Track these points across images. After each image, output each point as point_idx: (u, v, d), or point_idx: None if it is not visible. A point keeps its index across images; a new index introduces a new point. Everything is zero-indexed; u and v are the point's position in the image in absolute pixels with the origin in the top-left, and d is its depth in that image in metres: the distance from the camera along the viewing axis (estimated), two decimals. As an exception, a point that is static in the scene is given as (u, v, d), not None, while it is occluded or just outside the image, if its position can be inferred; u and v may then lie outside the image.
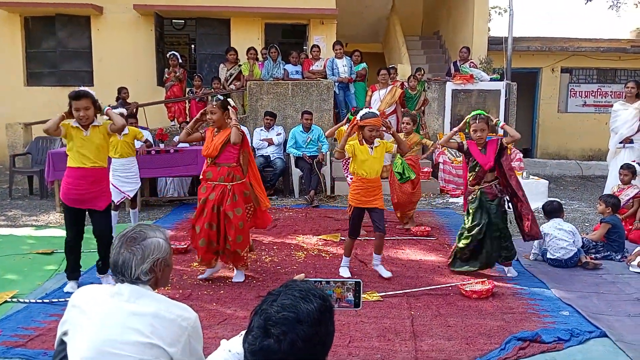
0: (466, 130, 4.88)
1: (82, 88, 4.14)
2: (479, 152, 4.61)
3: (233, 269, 4.72)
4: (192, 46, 13.30)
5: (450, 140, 4.79)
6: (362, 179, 4.54)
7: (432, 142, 6.61)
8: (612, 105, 7.77)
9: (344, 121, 6.33)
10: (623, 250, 5.26)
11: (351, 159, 4.61)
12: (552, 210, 5.23)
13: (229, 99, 4.56)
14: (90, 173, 4.08)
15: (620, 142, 7.27)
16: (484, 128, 4.57)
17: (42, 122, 9.09)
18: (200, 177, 4.49)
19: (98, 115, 4.17)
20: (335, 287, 1.73)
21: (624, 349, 3.25)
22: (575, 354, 3.23)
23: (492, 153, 4.55)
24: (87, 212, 4.21)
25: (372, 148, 4.51)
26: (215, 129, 4.42)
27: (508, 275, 4.66)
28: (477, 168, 4.64)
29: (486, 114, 4.67)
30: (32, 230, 6.29)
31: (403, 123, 6.32)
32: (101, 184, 4.21)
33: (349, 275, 4.59)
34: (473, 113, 4.69)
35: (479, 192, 4.63)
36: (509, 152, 4.70)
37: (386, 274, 4.57)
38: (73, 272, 4.28)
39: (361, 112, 4.56)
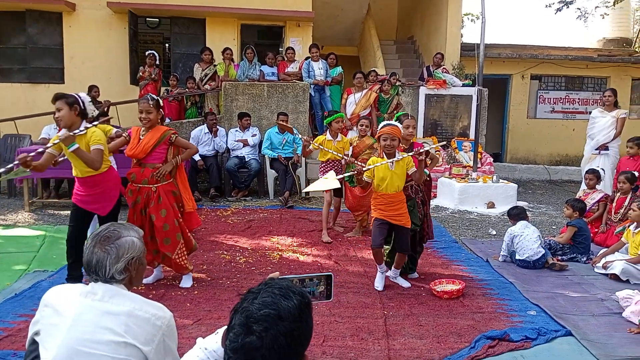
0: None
1: (75, 93, 4.10)
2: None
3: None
4: (167, 45, 13.18)
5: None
6: (382, 195, 4.26)
7: None
8: (580, 112, 8.01)
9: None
10: (589, 253, 5.43)
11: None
12: (519, 213, 5.38)
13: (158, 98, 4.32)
14: (87, 180, 4.05)
15: (596, 149, 7.49)
16: (415, 125, 4.67)
17: (10, 119, 8.94)
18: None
19: (84, 122, 4.04)
20: (313, 283, 1.77)
21: (588, 347, 3.37)
22: (542, 352, 3.33)
23: (416, 159, 4.41)
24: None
25: (392, 163, 4.17)
26: (143, 129, 4.22)
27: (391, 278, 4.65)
28: None
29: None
30: (0, 229, 6.14)
31: (362, 125, 6.24)
32: (101, 187, 4.09)
33: (383, 285, 4.40)
34: (400, 113, 4.82)
35: None
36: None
37: (406, 284, 4.51)
38: (70, 271, 4.16)
39: (382, 123, 4.36)
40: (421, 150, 4.18)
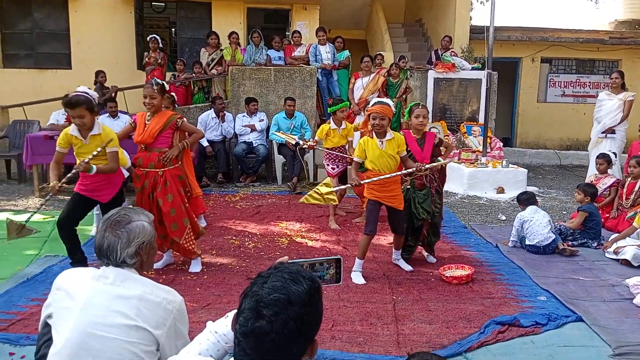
0: (403, 120, 4.83)
1: (76, 92, 3.90)
2: (416, 145, 4.49)
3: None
4: (173, 30, 13.11)
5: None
6: (374, 173, 4.20)
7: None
8: (590, 96, 7.91)
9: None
10: (599, 238, 5.39)
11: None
12: (528, 198, 5.34)
13: (164, 83, 4.27)
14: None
15: (603, 132, 7.40)
16: (426, 115, 4.50)
17: (19, 105, 8.96)
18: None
19: (97, 118, 4.03)
20: (323, 267, 1.77)
21: (598, 332, 3.35)
22: (553, 338, 3.31)
23: (429, 148, 4.49)
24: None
25: (382, 142, 4.16)
26: (149, 114, 4.19)
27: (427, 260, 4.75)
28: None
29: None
30: (11, 215, 6.18)
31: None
32: (105, 175, 4.05)
33: (363, 282, 4.20)
34: (412, 103, 4.66)
35: (408, 183, 4.56)
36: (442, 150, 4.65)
37: (407, 267, 4.52)
38: (71, 257, 4.13)
39: (372, 101, 4.30)
40: (422, 168, 4.22)
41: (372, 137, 4.22)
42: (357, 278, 4.23)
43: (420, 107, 4.52)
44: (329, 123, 6.20)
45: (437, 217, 4.63)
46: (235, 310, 1.39)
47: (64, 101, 3.95)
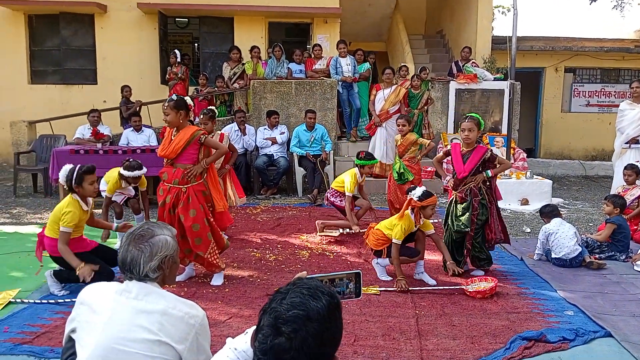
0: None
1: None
2: (459, 159, 4.52)
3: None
4: (196, 44, 13.32)
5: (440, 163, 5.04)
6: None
7: (428, 141, 6.52)
8: (616, 105, 7.75)
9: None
10: (628, 251, 5.25)
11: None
12: (551, 211, 5.24)
13: (186, 98, 4.34)
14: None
15: (626, 143, 7.24)
16: (472, 128, 4.44)
17: (46, 120, 9.17)
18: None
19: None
20: (343, 283, 1.74)
21: (629, 349, 3.25)
22: (581, 354, 3.23)
23: (472, 163, 4.45)
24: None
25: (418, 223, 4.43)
26: (174, 129, 4.25)
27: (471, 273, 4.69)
28: (454, 174, 4.63)
29: (477, 116, 4.55)
30: (37, 228, 6.29)
31: (399, 125, 6.35)
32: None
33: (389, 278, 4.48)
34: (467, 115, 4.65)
35: (454, 196, 4.61)
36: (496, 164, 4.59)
37: (431, 281, 4.46)
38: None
39: (417, 192, 4.35)
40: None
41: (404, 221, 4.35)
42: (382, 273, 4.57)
43: (466, 120, 4.50)
44: (357, 175, 5.95)
45: (479, 232, 4.55)
46: (255, 327, 1.38)
47: (81, 170, 4.17)
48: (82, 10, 10.88)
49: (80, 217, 4.12)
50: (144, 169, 5.31)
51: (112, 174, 5.35)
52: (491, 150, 4.57)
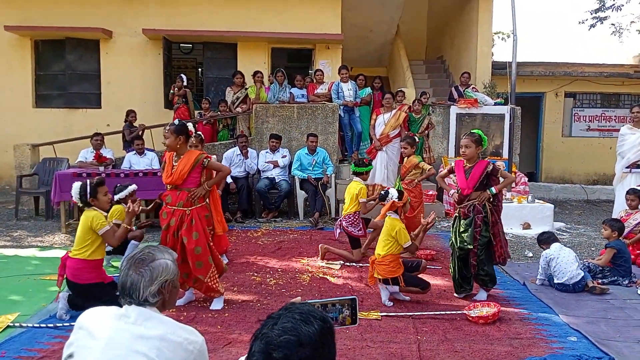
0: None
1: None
2: (462, 175, 4.57)
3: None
4: (200, 70, 13.47)
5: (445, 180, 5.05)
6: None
7: (429, 167, 6.51)
8: (616, 130, 7.78)
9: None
10: (630, 275, 5.22)
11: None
12: (549, 237, 5.25)
13: (188, 124, 4.38)
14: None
15: (627, 167, 7.26)
16: (468, 144, 4.51)
17: (49, 143, 9.23)
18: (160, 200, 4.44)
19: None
20: (335, 308, 1.73)
21: (633, 376, 3.21)
22: (585, 381, 3.18)
23: (475, 177, 4.48)
24: None
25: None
26: (175, 155, 4.27)
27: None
28: (458, 190, 4.65)
29: (479, 133, 4.61)
30: (37, 251, 6.29)
31: (402, 148, 6.46)
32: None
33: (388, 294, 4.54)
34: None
35: (458, 212, 4.65)
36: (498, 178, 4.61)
37: (406, 298, 4.59)
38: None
39: (394, 194, 4.65)
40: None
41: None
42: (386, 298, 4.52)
43: (464, 136, 4.60)
44: (359, 181, 6.07)
45: (482, 249, 4.54)
46: (246, 355, 1.36)
47: (96, 182, 4.23)
48: (87, 36, 11.05)
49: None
50: (133, 185, 5.48)
51: (115, 208, 5.30)
52: (493, 163, 4.59)
